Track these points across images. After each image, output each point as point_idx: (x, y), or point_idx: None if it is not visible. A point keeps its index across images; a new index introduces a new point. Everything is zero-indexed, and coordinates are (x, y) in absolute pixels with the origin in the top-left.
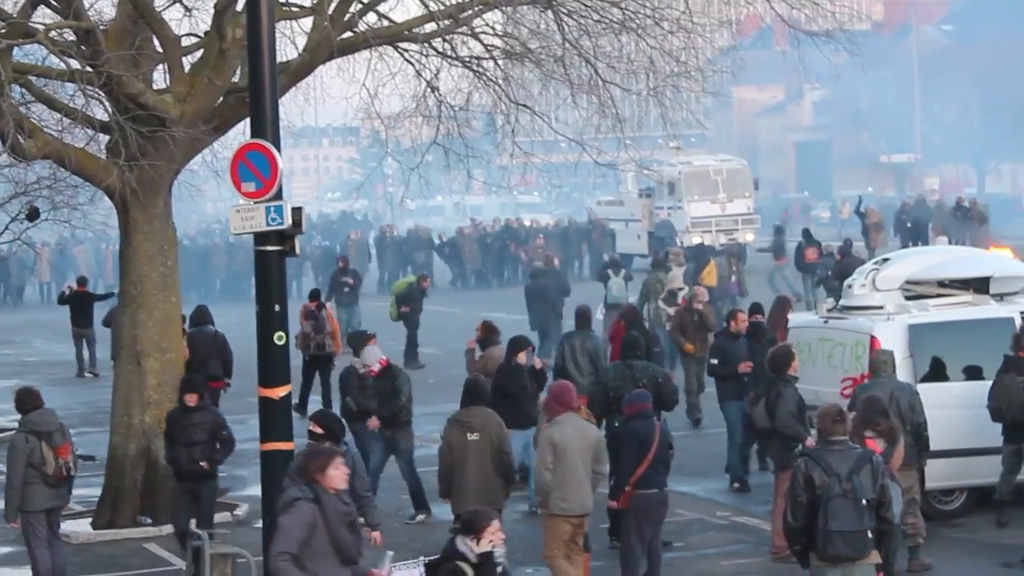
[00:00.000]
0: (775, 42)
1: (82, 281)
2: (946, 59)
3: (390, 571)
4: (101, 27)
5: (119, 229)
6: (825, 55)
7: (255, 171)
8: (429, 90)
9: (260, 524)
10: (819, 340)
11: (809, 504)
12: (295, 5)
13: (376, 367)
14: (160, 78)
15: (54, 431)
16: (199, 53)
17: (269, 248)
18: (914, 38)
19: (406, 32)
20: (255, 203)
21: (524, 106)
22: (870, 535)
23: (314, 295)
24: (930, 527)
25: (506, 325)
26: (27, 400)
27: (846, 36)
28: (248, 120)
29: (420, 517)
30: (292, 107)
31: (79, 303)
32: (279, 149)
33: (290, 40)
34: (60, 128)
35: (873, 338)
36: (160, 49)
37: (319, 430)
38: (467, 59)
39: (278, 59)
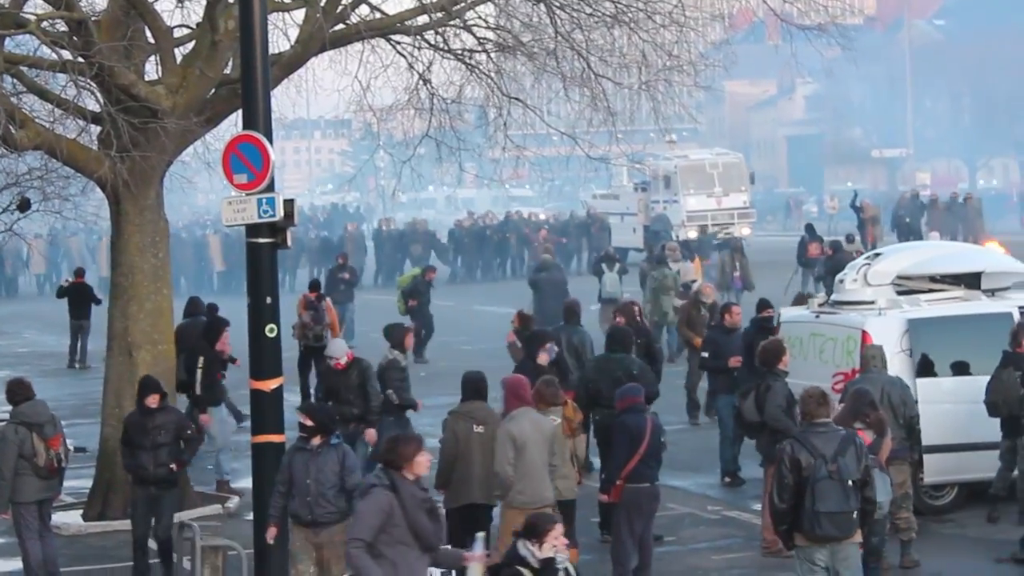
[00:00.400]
0: (767, 36)
1: (79, 272)
2: (938, 54)
3: (483, 554)
4: (93, 18)
5: (110, 220)
6: (817, 49)
7: (247, 163)
8: (421, 83)
9: (251, 517)
10: (811, 335)
11: (795, 486)
12: None
13: (343, 360)
14: (152, 69)
15: (45, 422)
16: (191, 44)
17: (261, 240)
18: (906, 33)
19: (398, 24)
20: (247, 195)
21: (516, 99)
22: (855, 515)
23: (314, 285)
24: (921, 522)
25: (502, 319)
26: (18, 391)
27: (838, 30)
28: (240, 112)
29: None
30: (284, 99)
31: (77, 294)
32: (271, 141)
33: (282, 32)
34: (52, 119)
35: (865, 333)
36: (152, 40)
37: (309, 422)
38: (459, 52)
39: (270, 51)
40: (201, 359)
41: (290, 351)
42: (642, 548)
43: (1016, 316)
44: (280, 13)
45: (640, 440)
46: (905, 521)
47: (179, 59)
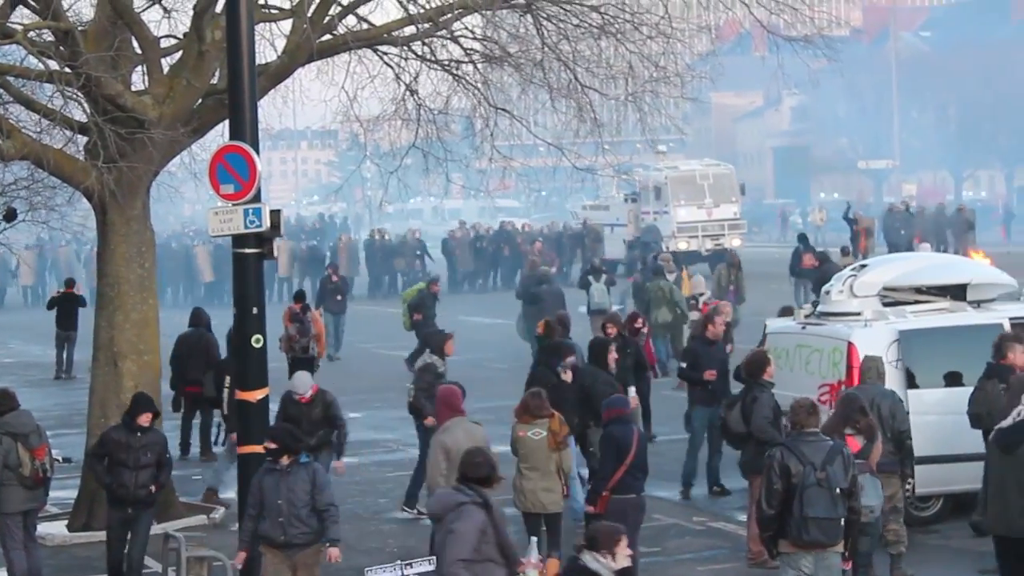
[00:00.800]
0: (754, 48)
1: (69, 283)
2: (924, 66)
3: (539, 560)
4: (80, 28)
5: (97, 231)
6: (804, 61)
7: (234, 173)
8: (408, 93)
9: (236, 527)
10: (796, 346)
11: (784, 492)
12: (274, 7)
13: (308, 394)
14: (139, 80)
15: (30, 433)
16: (178, 55)
17: (247, 251)
18: (892, 45)
19: (385, 35)
20: (233, 205)
21: (503, 110)
22: (841, 523)
23: (299, 296)
24: (907, 533)
25: (488, 330)
26: (3, 402)
27: (825, 42)
28: (227, 122)
29: None
30: (271, 109)
31: (65, 305)
32: (258, 152)
33: (269, 42)
34: (38, 129)
35: (851, 344)
36: (139, 50)
37: (273, 445)
38: (446, 63)
39: (257, 61)
40: (228, 378)
41: (278, 362)
42: None
43: (1007, 328)
44: (267, 24)
45: (626, 451)
46: (894, 534)
47: (166, 69)
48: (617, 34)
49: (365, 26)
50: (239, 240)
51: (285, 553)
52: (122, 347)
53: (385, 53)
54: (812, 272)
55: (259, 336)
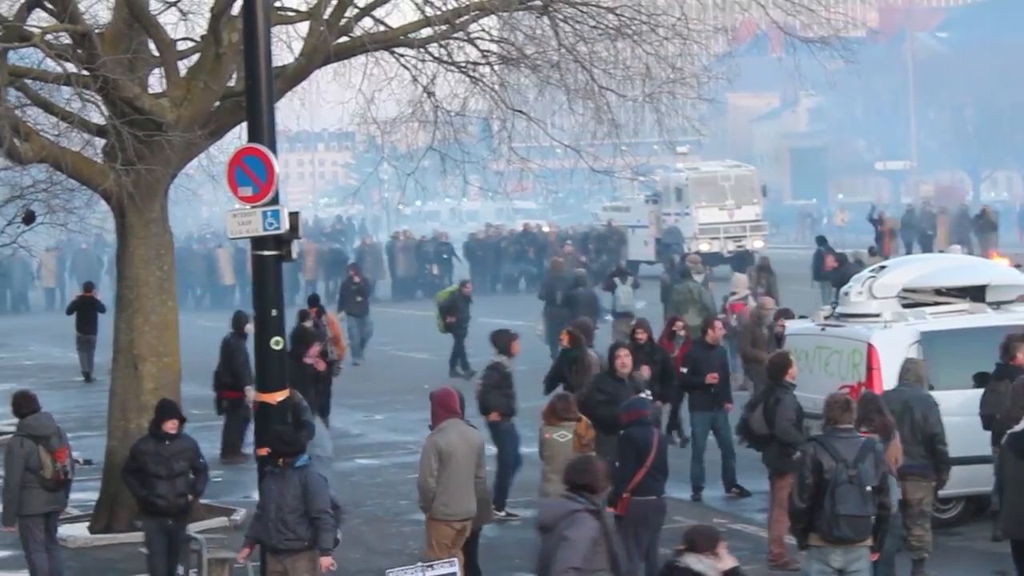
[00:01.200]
0: (771, 49)
1: (87, 286)
2: (941, 66)
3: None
4: (97, 31)
5: (116, 233)
6: (820, 62)
7: (252, 175)
8: (425, 95)
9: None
10: (816, 348)
11: (815, 487)
12: (291, 9)
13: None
14: (156, 82)
15: (51, 435)
16: (195, 57)
17: (266, 253)
18: (909, 45)
19: (402, 37)
20: (252, 207)
21: (520, 112)
22: (871, 520)
23: (313, 300)
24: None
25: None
26: (24, 404)
27: (841, 43)
28: (244, 124)
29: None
30: (288, 111)
31: (84, 309)
32: (276, 153)
33: (286, 45)
34: (56, 132)
35: (870, 346)
36: (156, 53)
37: (263, 452)
38: (463, 64)
39: (274, 63)
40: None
41: None
42: (648, 561)
43: None
44: (284, 26)
45: (647, 453)
46: (919, 540)
47: (183, 72)
48: (634, 35)
49: (382, 28)
50: (258, 242)
51: (276, 558)
52: (142, 349)
53: (402, 55)
54: (834, 273)
55: (279, 338)
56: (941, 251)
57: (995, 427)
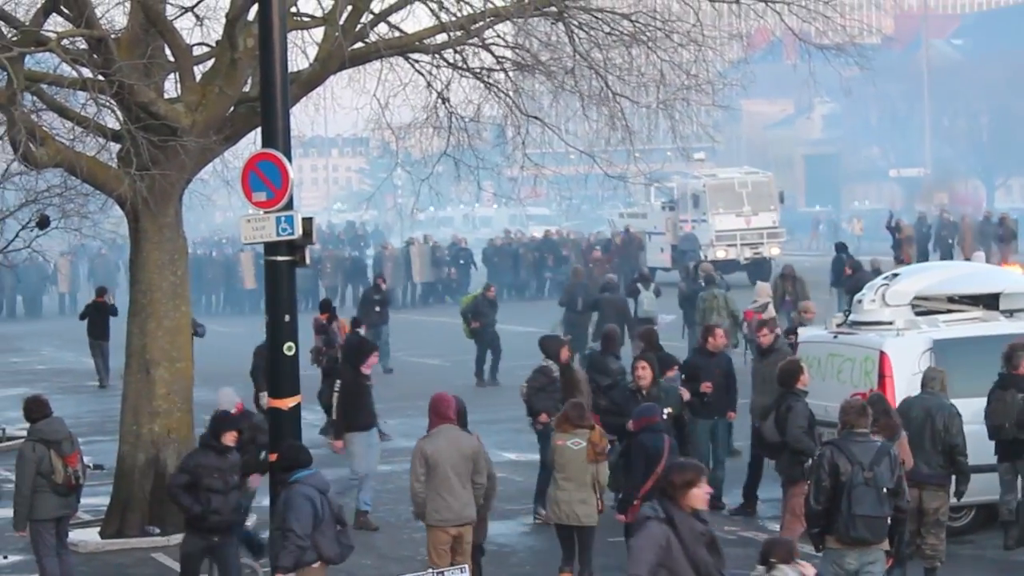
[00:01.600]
0: (785, 56)
1: (100, 291)
2: (956, 74)
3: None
4: (113, 36)
5: (129, 238)
6: (835, 68)
7: (266, 181)
8: (440, 101)
9: (267, 535)
10: (828, 355)
11: (831, 490)
12: (306, 15)
13: (232, 411)
14: (172, 87)
15: (63, 440)
16: (211, 62)
17: (279, 258)
18: (924, 52)
19: (417, 43)
20: (266, 213)
21: (534, 118)
22: (887, 521)
23: (325, 306)
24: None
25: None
26: (36, 409)
27: (856, 50)
28: (259, 130)
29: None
30: (302, 117)
31: (96, 314)
32: (290, 159)
33: (301, 50)
34: (71, 136)
35: (883, 354)
36: (172, 58)
37: (272, 459)
38: (478, 70)
39: (289, 69)
40: (338, 382)
41: (311, 369)
42: None
43: None
44: (299, 31)
45: (657, 460)
46: (932, 548)
47: (198, 77)
48: (648, 42)
49: (397, 34)
50: (271, 248)
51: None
52: (154, 354)
53: (417, 61)
54: (848, 280)
55: (291, 344)
56: (967, 259)
57: (1003, 437)
